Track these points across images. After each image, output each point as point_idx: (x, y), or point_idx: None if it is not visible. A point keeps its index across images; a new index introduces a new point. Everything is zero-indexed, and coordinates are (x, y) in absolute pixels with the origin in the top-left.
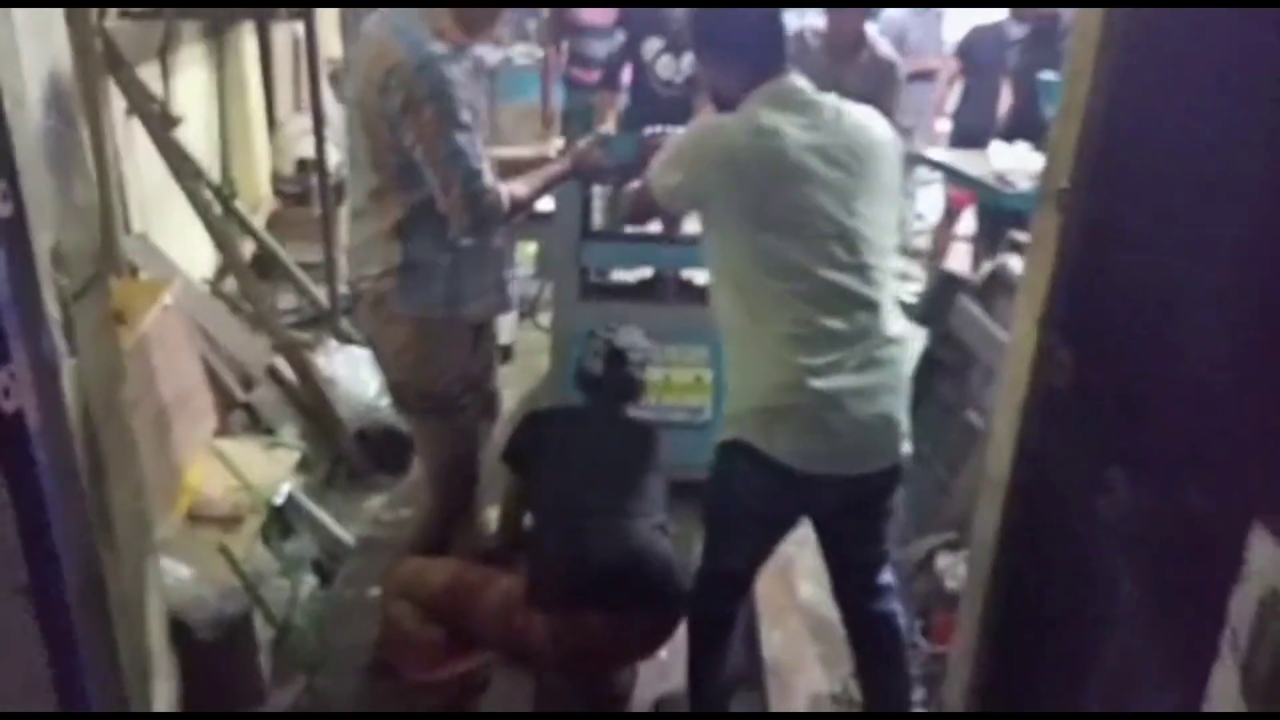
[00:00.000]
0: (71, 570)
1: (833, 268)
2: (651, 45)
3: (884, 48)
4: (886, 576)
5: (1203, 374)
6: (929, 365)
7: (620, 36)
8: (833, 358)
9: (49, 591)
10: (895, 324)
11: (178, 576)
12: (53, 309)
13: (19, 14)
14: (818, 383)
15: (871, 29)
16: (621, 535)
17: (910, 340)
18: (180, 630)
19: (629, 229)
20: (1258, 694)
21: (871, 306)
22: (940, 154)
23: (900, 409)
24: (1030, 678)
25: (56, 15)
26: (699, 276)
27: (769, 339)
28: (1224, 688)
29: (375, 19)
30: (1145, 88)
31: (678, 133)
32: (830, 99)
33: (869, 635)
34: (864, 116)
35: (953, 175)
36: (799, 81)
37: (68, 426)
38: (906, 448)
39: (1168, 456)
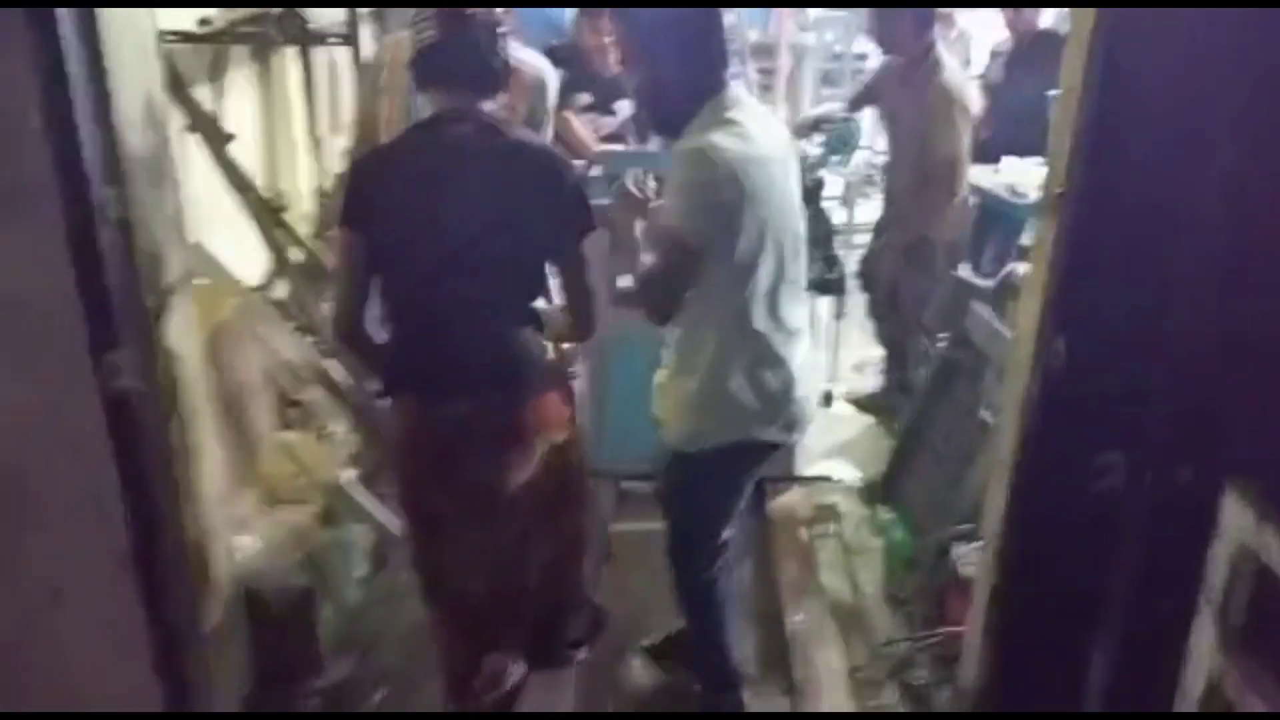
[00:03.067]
0: (164, 541)
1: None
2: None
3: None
4: None
5: (1183, 354)
6: (945, 368)
7: None
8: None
9: (146, 560)
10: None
11: (250, 553)
12: (150, 303)
13: (124, 39)
14: None
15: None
16: (474, 321)
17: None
18: (251, 600)
19: None
20: (1232, 641)
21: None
22: None
23: None
24: (1039, 650)
25: (151, 40)
26: None
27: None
28: (1202, 640)
29: None
30: (1130, 97)
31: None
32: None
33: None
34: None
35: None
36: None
37: (161, 410)
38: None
39: (1158, 436)
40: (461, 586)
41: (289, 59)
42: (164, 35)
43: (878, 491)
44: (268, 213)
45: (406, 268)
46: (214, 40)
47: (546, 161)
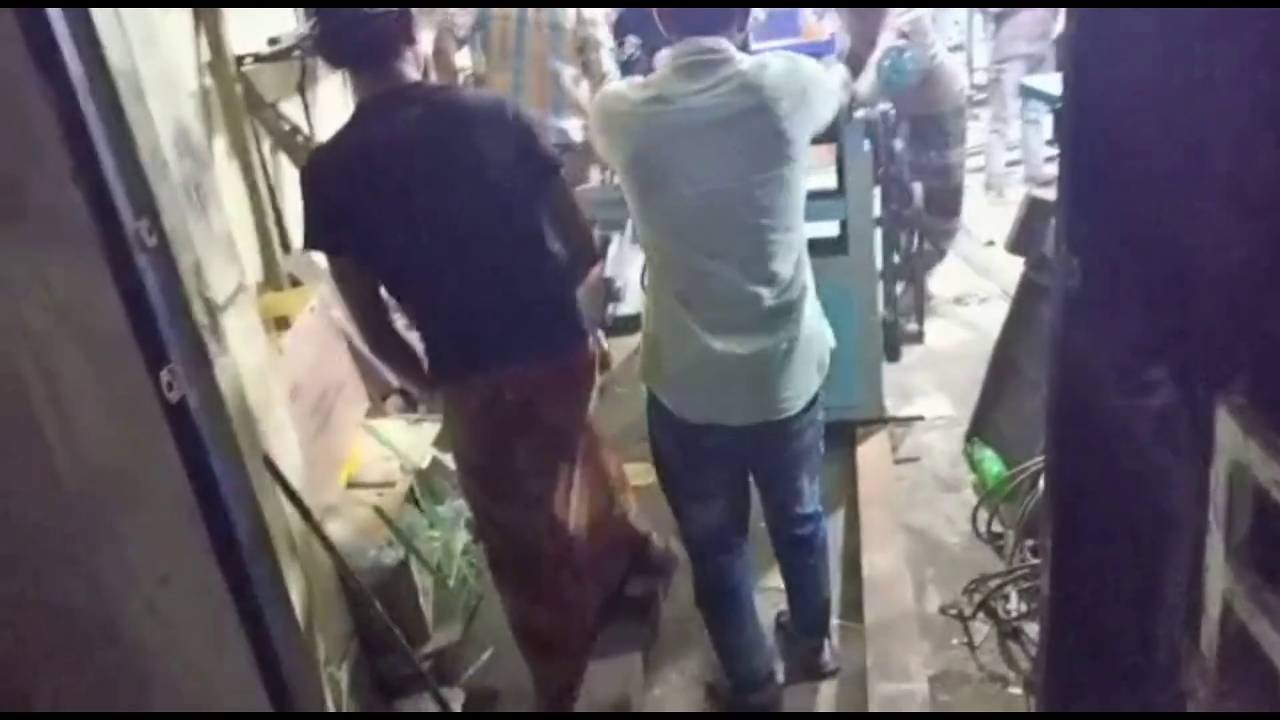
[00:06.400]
0: (242, 528)
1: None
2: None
3: None
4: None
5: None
6: (1029, 291)
7: None
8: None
9: (224, 544)
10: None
11: (341, 535)
12: (202, 317)
13: (145, 75)
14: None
15: None
16: (494, 283)
17: (804, 309)
18: (344, 578)
19: None
20: (1236, 557)
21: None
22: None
23: (781, 373)
24: (1099, 583)
25: (180, 74)
26: None
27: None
28: (1213, 557)
29: None
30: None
31: None
32: (744, 61)
33: (788, 552)
34: (760, 75)
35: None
36: (708, 42)
37: (225, 411)
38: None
39: (1195, 351)
40: (528, 551)
41: None
42: (240, 59)
43: (971, 425)
44: None
45: (415, 263)
46: (284, 57)
47: (497, 108)
